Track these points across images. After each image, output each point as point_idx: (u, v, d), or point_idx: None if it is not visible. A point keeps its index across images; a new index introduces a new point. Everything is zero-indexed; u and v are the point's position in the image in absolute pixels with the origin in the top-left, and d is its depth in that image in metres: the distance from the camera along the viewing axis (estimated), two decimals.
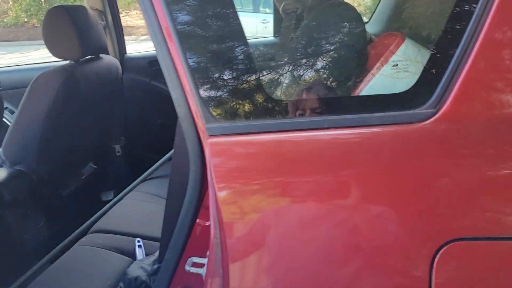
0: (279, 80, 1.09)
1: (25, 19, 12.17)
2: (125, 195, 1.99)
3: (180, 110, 0.77)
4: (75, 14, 1.75)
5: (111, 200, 2.49)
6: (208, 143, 0.73)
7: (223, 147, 0.74)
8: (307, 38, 1.32)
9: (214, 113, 0.76)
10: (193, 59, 0.77)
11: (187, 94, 0.76)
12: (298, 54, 1.21)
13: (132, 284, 1.26)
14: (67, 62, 1.90)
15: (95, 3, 2.46)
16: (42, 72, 1.77)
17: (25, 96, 1.78)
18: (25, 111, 1.78)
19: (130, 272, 1.30)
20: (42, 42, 1.78)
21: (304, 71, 1.12)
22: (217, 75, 0.80)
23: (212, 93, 0.77)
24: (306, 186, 0.73)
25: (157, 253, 1.40)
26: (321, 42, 1.24)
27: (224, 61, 0.80)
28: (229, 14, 0.81)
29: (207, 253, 0.77)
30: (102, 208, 2.01)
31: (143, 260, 1.36)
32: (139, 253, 1.50)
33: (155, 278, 1.31)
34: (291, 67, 1.15)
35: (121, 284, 1.29)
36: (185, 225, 0.81)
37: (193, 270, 0.84)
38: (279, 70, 1.12)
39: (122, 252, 1.51)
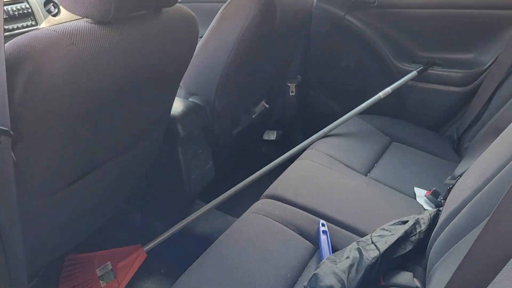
0: None
1: None
2: (300, 152, 1.71)
3: None
4: None
5: (272, 140, 2.28)
6: None
7: None
8: None
9: None
10: None
11: None
12: None
13: None
14: None
15: None
16: None
17: (215, 22, 1.53)
18: (212, 39, 1.54)
19: (321, 277, 1.03)
20: None
21: None
22: None
23: None
24: None
25: (352, 254, 1.11)
26: None
27: None
28: None
29: None
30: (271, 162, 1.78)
31: (335, 261, 1.08)
32: (324, 242, 1.22)
33: None
34: None
35: (308, 286, 1.04)
36: None
37: None
38: None
39: (301, 233, 1.25)
